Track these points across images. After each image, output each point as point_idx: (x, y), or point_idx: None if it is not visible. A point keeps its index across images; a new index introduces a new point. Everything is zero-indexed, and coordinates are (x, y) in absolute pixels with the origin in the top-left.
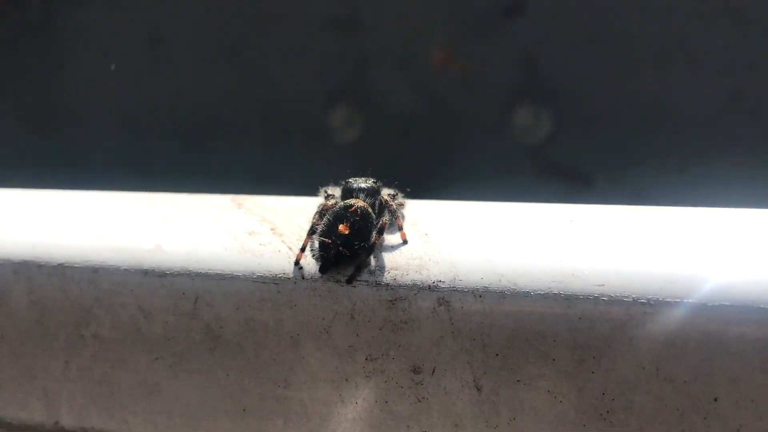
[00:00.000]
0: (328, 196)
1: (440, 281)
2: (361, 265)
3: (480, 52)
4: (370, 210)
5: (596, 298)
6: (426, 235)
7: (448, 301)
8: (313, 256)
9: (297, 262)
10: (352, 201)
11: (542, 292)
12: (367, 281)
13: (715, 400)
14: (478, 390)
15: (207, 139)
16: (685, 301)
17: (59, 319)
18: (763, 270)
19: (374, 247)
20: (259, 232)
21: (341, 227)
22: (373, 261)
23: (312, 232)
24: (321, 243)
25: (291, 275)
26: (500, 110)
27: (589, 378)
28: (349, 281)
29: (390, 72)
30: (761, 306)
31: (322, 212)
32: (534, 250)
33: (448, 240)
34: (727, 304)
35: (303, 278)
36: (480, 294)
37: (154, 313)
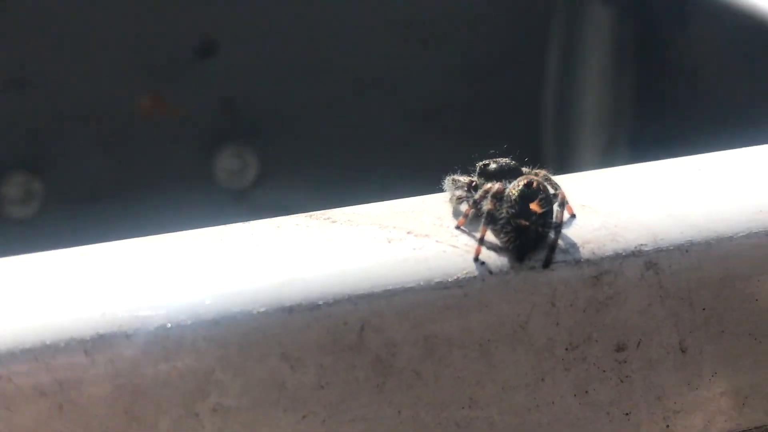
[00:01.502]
0: (460, 186)
1: (642, 244)
2: (555, 245)
3: (178, 96)
4: (547, 185)
5: None
6: (584, 207)
7: (655, 263)
8: (504, 245)
9: (477, 258)
10: (525, 179)
11: (744, 233)
12: (565, 261)
13: None
14: (683, 352)
15: None
16: None
17: (162, 400)
18: None
19: (562, 224)
20: (399, 237)
21: (533, 206)
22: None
23: (491, 219)
24: (516, 227)
25: (476, 273)
26: (202, 155)
27: None
28: (546, 264)
29: (77, 131)
30: None
31: (484, 198)
32: (703, 199)
33: (615, 206)
34: None
35: (491, 273)
36: (686, 249)
37: (305, 358)
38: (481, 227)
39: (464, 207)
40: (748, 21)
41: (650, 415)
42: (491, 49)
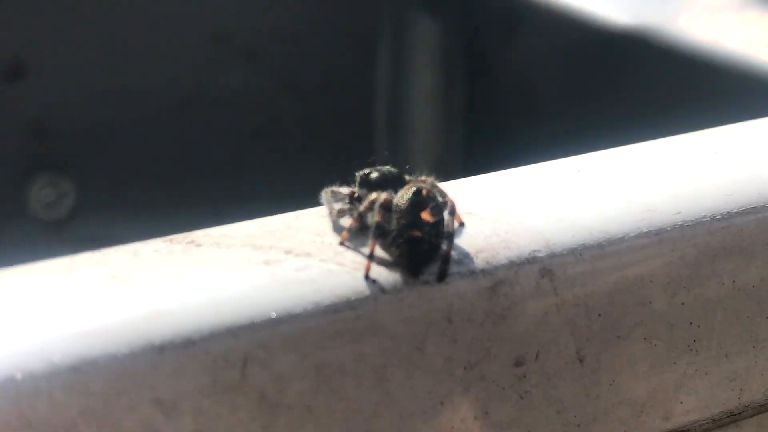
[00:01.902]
0: (340, 198)
1: (535, 250)
2: (448, 256)
3: None
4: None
5: (681, 226)
6: (470, 214)
7: (550, 270)
8: (396, 259)
9: (367, 275)
10: (413, 187)
11: (635, 234)
12: (459, 272)
13: None
14: (581, 362)
15: None
16: (754, 206)
17: None
18: None
19: (454, 233)
20: (277, 259)
21: (425, 215)
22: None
23: (380, 233)
24: (409, 239)
25: (368, 292)
26: (12, 185)
27: (680, 310)
28: (441, 278)
29: None
30: None
31: (370, 209)
32: (590, 200)
33: (502, 212)
34: None
35: (384, 292)
36: (579, 252)
37: (180, 402)
38: (369, 241)
39: (346, 221)
40: (577, 27)
41: (552, 431)
42: (320, 64)
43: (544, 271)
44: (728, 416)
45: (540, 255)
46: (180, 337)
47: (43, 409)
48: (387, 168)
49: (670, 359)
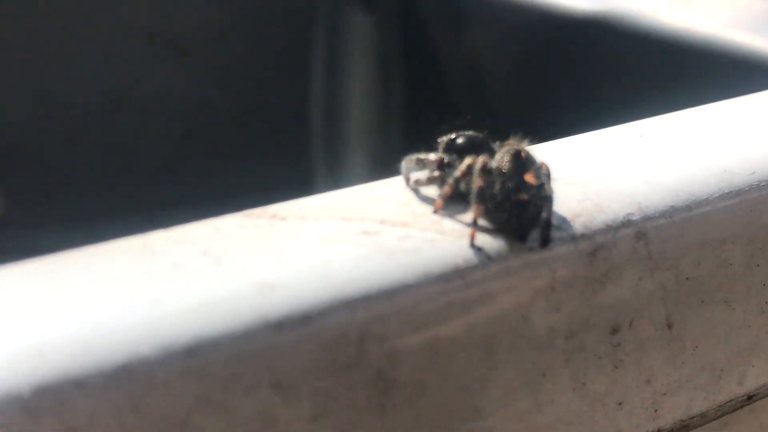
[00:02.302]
0: (428, 164)
1: (630, 214)
2: (549, 221)
3: None
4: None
5: (757, 186)
6: (556, 180)
7: (644, 233)
8: (500, 225)
9: (472, 243)
10: (511, 149)
11: (718, 195)
12: (560, 238)
13: None
14: (669, 328)
15: None
16: None
17: None
18: None
19: (552, 198)
20: (374, 229)
21: (529, 178)
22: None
23: (481, 198)
24: (517, 203)
25: (476, 260)
26: None
27: (756, 272)
28: (544, 243)
29: None
30: None
31: (467, 174)
32: (670, 163)
33: (588, 177)
34: None
35: (490, 259)
36: (670, 215)
37: (299, 385)
38: (473, 207)
39: (429, 190)
40: (528, 17)
41: (641, 401)
42: (255, 61)
43: (639, 234)
44: None
45: (634, 218)
46: (297, 312)
47: (158, 398)
48: (471, 132)
49: (745, 322)
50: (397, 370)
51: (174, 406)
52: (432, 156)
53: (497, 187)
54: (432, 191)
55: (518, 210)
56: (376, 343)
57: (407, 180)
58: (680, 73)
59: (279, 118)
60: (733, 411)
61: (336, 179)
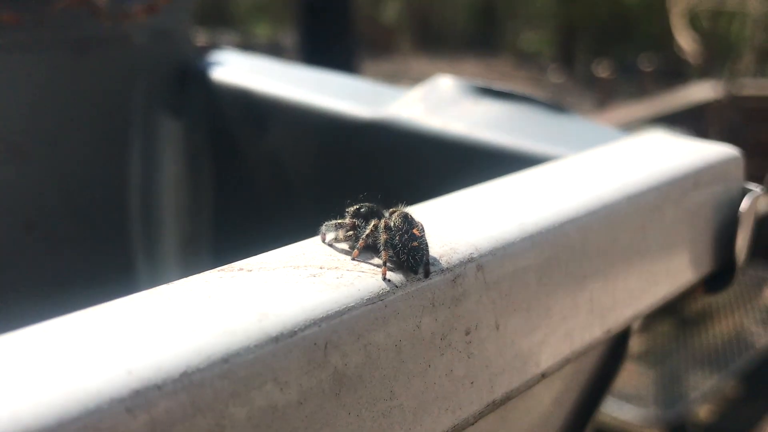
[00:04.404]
0: (344, 227)
1: (471, 253)
2: (428, 260)
3: None
4: None
5: (545, 230)
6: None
7: (482, 266)
8: (399, 264)
9: (384, 277)
10: (401, 213)
11: (519, 239)
12: (435, 271)
13: None
14: (498, 329)
15: None
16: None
17: None
18: None
19: (427, 244)
20: (317, 273)
21: (415, 231)
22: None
23: (391, 245)
24: (411, 249)
25: (388, 288)
26: None
27: (544, 288)
28: (427, 275)
29: None
30: None
31: (374, 231)
32: (486, 220)
33: (442, 230)
34: None
35: (397, 287)
36: (494, 253)
37: (290, 381)
38: (383, 253)
39: (341, 245)
40: (323, 120)
41: (484, 380)
42: (80, 160)
43: (479, 266)
44: None
45: (475, 255)
46: (287, 328)
47: (206, 395)
48: (368, 204)
49: (537, 324)
50: (347, 367)
51: (214, 399)
52: (347, 220)
53: (396, 239)
54: (343, 245)
55: (413, 253)
56: (333, 349)
57: (323, 238)
58: (442, 163)
59: (101, 212)
60: (532, 386)
61: (152, 259)
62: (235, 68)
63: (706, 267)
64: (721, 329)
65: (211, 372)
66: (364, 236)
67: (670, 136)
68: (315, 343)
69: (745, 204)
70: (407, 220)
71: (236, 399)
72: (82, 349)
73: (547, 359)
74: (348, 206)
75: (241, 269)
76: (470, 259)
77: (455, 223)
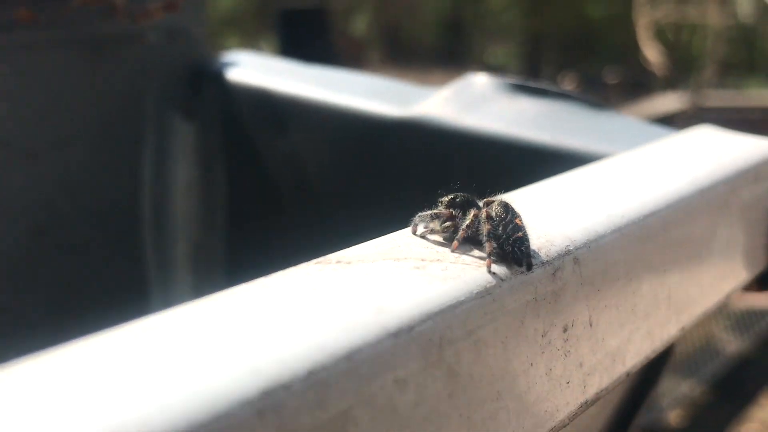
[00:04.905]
0: (440, 217)
1: (568, 246)
2: (529, 253)
3: None
4: None
5: (634, 222)
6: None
7: (578, 259)
8: (504, 256)
9: (489, 270)
10: (502, 203)
11: (610, 232)
12: (536, 264)
13: None
14: (591, 326)
15: None
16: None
17: None
18: None
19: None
20: (420, 266)
21: (518, 221)
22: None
23: (494, 237)
24: (516, 240)
25: (494, 281)
26: None
27: (632, 283)
28: (529, 268)
29: None
30: None
31: (474, 222)
32: (575, 211)
33: (536, 222)
34: None
35: (503, 280)
36: (588, 245)
37: (408, 378)
38: (486, 244)
39: (435, 236)
40: (348, 121)
41: (577, 380)
42: (91, 164)
43: (575, 259)
44: None
45: (571, 248)
46: (406, 323)
47: (334, 397)
48: (462, 194)
49: (625, 320)
50: (460, 365)
51: (340, 399)
52: (444, 210)
53: (500, 229)
54: (436, 237)
55: (517, 244)
56: (448, 345)
57: (414, 230)
58: (478, 163)
59: (112, 216)
60: (618, 385)
61: (164, 267)
62: (252, 69)
63: (762, 263)
64: (691, 336)
65: (336, 370)
66: (464, 226)
67: (719, 130)
68: (431, 339)
69: None
70: (508, 209)
71: (360, 399)
72: (200, 347)
73: (631, 358)
74: (440, 197)
75: (339, 261)
76: (567, 252)
77: (547, 215)
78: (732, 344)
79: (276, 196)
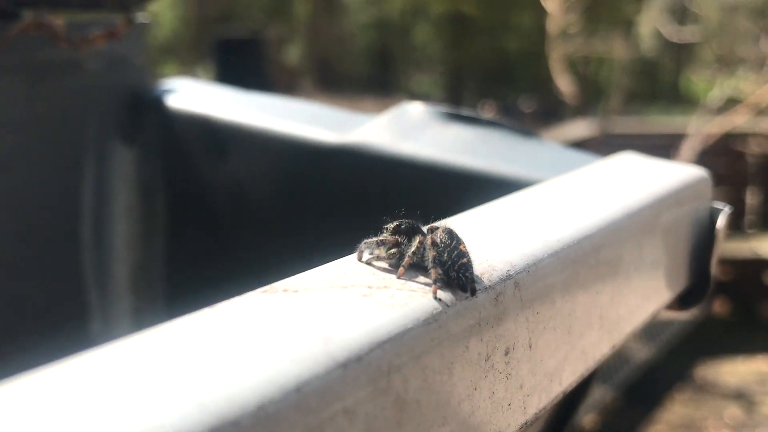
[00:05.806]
0: (386, 244)
1: (508, 270)
2: (473, 278)
3: None
4: None
5: (568, 245)
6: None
7: (518, 283)
8: (449, 282)
9: (435, 296)
10: (446, 229)
11: (548, 255)
12: (479, 289)
13: None
14: (531, 348)
15: None
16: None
17: None
18: None
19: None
20: (367, 293)
21: (462, 247)
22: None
23: (439, 263)
24: (461, 266)
25: (440, 308)
26: None
27: (565, 305)
28: (474, 293)
29: None
30: None
31: (420, 249)
32: (515, 237)
33: (475, 247)
34: None
35: (448, 306)
36: (527, 270)
37: (357, 408)
38: (432, 271)
39: (380, 263)
40: (287, 147)
41: (518, 402)
42: (31, 189)
43: (516, 284)
44: None
45: (511, 272)
46: (353, 354)
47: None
48: (408, 221)
49: (561, 341)
50: (407, 393)
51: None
52: (389, 237)
53: (445, 255)
54: (382, 263)
55: (462, 270)
56: (396, 374)
57: (360, 256)
58: (414, 188)
59: (53, 235)
60: (554, 405)
61: (104, 289)
62: (192, 95)
63: (683, 283)
64: None
65: (285, 403)
66: (410, 253)
67: (641, 157)
68: (379, 368)
69: (720, 222)
70: (453, 236)
71: (309, 431)
72: (145, 382)
73: (567, 377)
74: (385, 223)
75: (286, 290)
76: (508, 276)
77: (487, 240)
78: (640, 353)
79: (216, 220)
